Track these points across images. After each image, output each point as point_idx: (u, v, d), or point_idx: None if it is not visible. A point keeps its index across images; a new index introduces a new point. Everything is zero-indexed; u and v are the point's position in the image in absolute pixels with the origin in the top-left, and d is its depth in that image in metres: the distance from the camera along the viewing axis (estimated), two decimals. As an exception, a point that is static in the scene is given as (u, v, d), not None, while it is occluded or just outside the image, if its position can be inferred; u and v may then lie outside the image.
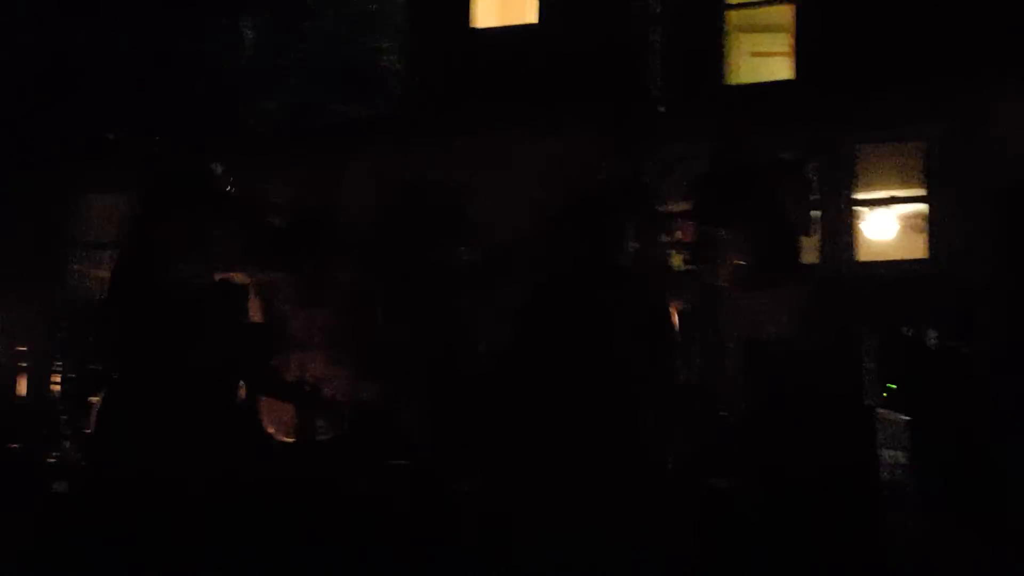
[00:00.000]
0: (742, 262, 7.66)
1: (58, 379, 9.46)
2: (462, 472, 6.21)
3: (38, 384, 9.49)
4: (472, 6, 12.05)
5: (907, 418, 6.41)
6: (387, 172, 9.00)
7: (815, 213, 9.27)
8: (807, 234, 8.09)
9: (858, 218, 10.95)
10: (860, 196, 10.92)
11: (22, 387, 9.26)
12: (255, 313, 8.19)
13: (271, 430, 7.99)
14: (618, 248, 6.64)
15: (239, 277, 8.13)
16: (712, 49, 11.74)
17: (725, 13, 11.89)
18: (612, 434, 5.98)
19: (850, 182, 10.79)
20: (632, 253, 7.00)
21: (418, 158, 9.49)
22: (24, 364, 9.28)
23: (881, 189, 11.17)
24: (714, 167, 8.29)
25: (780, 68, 11.83)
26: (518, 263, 7.45)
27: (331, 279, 8.14)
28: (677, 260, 8.45)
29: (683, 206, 8.61)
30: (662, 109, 10.04)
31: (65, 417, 9.18)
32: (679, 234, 8.56)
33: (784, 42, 11.84)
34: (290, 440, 7.85)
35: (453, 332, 7.88)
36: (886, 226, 11.48)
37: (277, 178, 8.49)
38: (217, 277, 8.08)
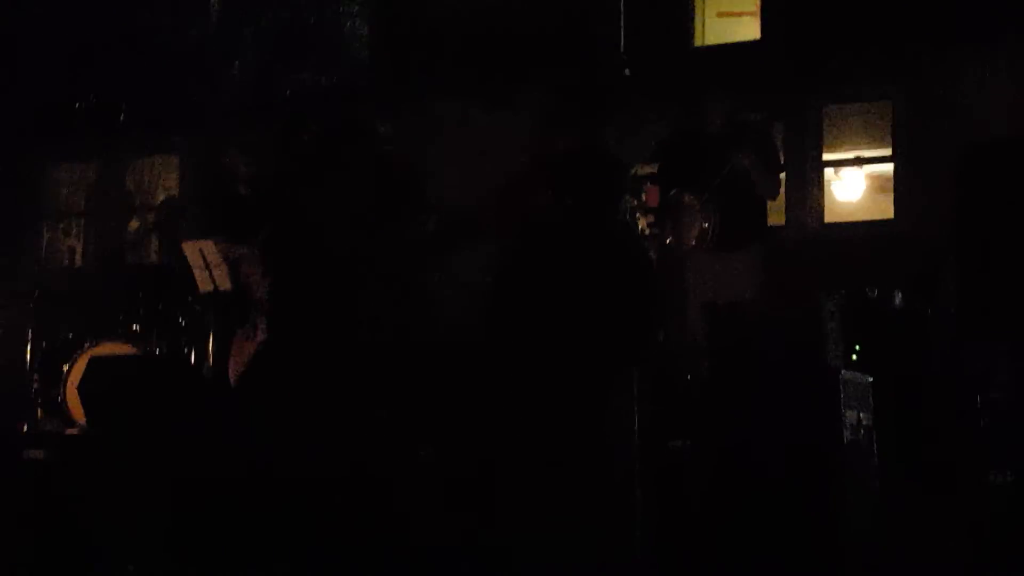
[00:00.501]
0: (706, 225, 7.72)
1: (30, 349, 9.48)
2: (422, 442, 6.28)
3: (10, 354, 9.51)
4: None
5: (871, 379, 6.47)
6: (346, 141, 8.99)
7: (781, 175, 9.32)
8: (773, 196, 8.15)
9: (825, 179, 11.02)
10: (827, 157, 10.98)
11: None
12: (222, 281, 8.24)
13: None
14: (588, 210, 6.73)
15: (209, 245, 8.18)
16: (680, 10, 11.75)
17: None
18: (584, 399, 6.09)
19: (817, 143, 10.84)
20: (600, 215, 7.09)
21: (378, 126, 9.46)
22: (-4, 332, 9.31)
23: (848, 150, 11.23)
24: (679, 130, 8.34)
25: (747, 29, 11.85)
26: (481, 230, 7.49)
27: (297, 246, 8.17)
28: (643, 223, 8.50)
29: (649, 169, 8.65)
30: (628, 72, 10.04)
31: (37, 386, 9.22)
32: (645, 197, 8.62)
33: (751, 2, 11.86)
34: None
35: (415, 301, 7.92)
36: (853, 187, 11.56)
37: (239, 146, 8.48)
38: (191, 247, 8.15)
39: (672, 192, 7.90)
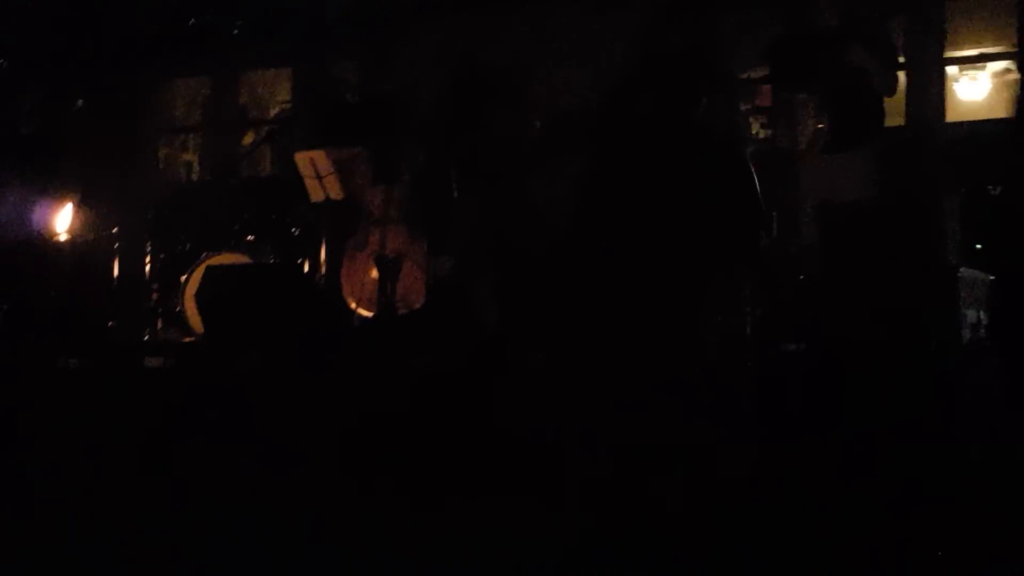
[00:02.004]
0: (820, 125, 7.54)
1: (148, 260, 9.65)
2: (532, 346, 6.26)
3: (130, 264, 9.69)
4: None
5: (992, 278, 6.31)
6: (450, 47, 8.95)
7: (900, 73, 9.07)
8: (891, 93, 7.91)
9: (947, 77, 10.69)
10: (950, 55, 10.64)
11: (115, 268, 9.45)
12: (333, 191, 8.29)
13: (352, 304, 8.13)
14: (694, 112, 6.62)
15: (320, 155, 8.24)
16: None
17: None
18: (690, 299, 6.01)
19: (939, 40, 10.50)
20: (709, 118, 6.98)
21: (481, 32, 9.41)
22: (116, 245, 9.46)
23: (971, 47, 10.87)
24: (790, 30, 8.13)
25: (865, -75, 11.50)
26: (585, 134, 7.41)
27: (406, 154, 8.19)
28: (755, 125, 8.35)
29: (760, 72, 8.47)
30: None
31: (156, 296, 9.40)
32: (756, 100, 8.45)
33: None
34: (369, 313, 7.98)
35: (521, 206, 7.89)
36: (976, 85, 11.20)
37: (350, 59, 8.49)
38: (302, 158, 8.21)
39: (784, 93, 7.74)
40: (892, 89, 7.85)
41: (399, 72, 8.69)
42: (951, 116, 10.45)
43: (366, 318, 8.01)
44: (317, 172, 8.29)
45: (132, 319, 9.32)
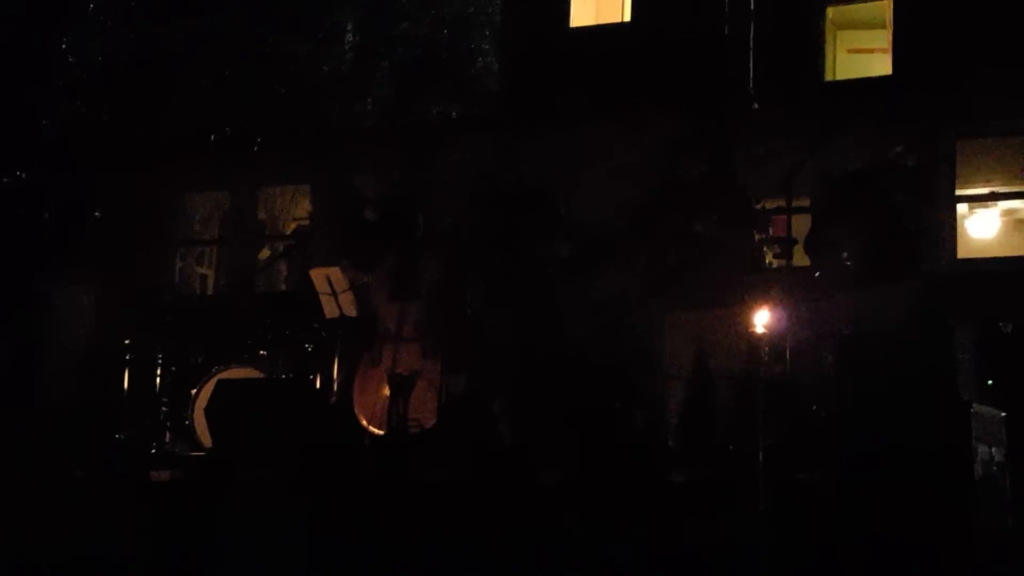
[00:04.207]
0: (848, 261, 7.59)
1: (159, 372, 9.65)
2: (549, 463, 6.25)
3: (141, 377, 9.68)
4: (568, 5, 12.10)
5: (1003, 414, 6.30)
6: (480, 166, 9.08)
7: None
8: (919, 232, 7.99)
9: (959, 215, 10.79)
10: (961, 192, 10.76)
11: (126, 380, 9.45)
12: (348, 308, 8.33)
13: (364, 422, 8.12)
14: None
15: (336, 272, 8.30)
16: (810, 45, 11.63)
17: (824, 9, 11.79)
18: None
19: (951, 178, 10.62)
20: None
21: (511, 153, 9.56)
22: (128, 357, 9.47)
23: (982, 185, 10.99)
24: (827, 170, 8.19)
25: (879, 64, 11.69)
26: (610, 257, 7.49)
27: (422, 272, 8.24)
28: (770, 255, 8.41)
29: (777, 202, 8.56)
30: (756, 106, 9.98)
31: (166, 409, 9.38)
32: (772, 229, 8.53)
33: (882, 38, 11.70)
34: (381, 432, 7.97)
35: (545, 325, 7.92)
36: (987, 223, 11.30)
37: (371, 174, 8.59)
38: (318, 274, 8.27)
39: (820, 227, 7.81)
40: (920, 226, 7.89)
41: (420, 189, 8.78)
42: (962, 252, 10.53)
43: (377, 436, 7.99)
44: (332, 288, 8.33)
45: (141, 431, 9.29)
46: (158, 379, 9.63)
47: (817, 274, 7.59)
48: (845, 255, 7.56)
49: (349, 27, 12.67)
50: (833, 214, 7.71)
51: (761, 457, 6.11)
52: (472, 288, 7.92)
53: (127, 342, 9.53)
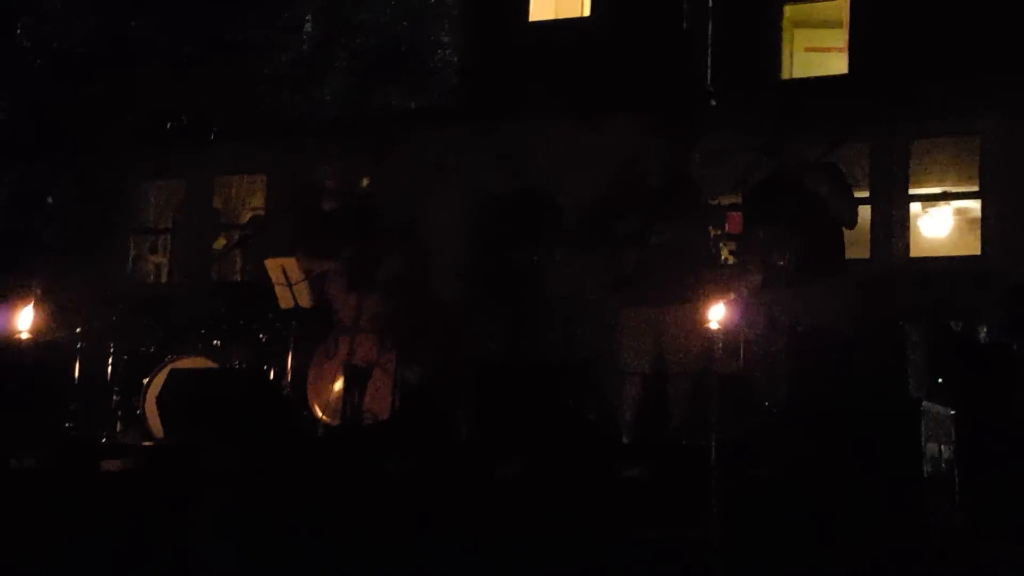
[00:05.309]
0: (781, 262, 7.61)
1: (111, 361, 9.57)
2: (505, 457, 6.26)
3: (92, 365, 9.61)
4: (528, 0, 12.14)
5: (953, 412, 6.36)
6: (433, 158, 9.09)
7: (863, 208, 9.23)
8: (851, 225, 7.98)
9: (911, 213, 10.89)
10: (914, 191, 10.85)
11: (76, 368, 9.37)
12: (303, 298, 8.30)
13: (318, 413, 8.10)
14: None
15: (291, 263, 8.27)
16: (767, 42, 11.72)
17: (781, 8, 11.88)
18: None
19: (904, 177, 10.71)
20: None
21: (467, 145, 9.58)
22: (79, 345, 9.39)
23: (935, 185, 11.10)
24: (757, 164, 8.22)
25: (835, 63, 11.79)
26: (568, 252, 7.50)
27: (380, 263, 8.22)
28: (725, 252, 8.45)
29: (732, 199, 8.60)
30: (714, 103, 10.02)
31: (117, 398, 9.32)
32: (728, 226, 8.57)
33: (839, 37, 11.80)
34: (335, 423, 7.95)
35: (504, 321, 7.95)
36: (940, 222, 11.42)
37: (329, 165, 8.56)
38: (273, 264, 8.23)
39: (751, 225, 7.83)
40: (853, 220, 7.89)
41: (378, 180, 8.76)
42: (915, 251, 10.63)
43: (332, 426, 7.98)
44: (288, 279, 8.29)
45: (92, 420, 9.22)
46: (110, 368, 9.55)
47: (746, 273, 7.60)
48: (775, 254, 7.57)
49: (308, 17, 12.65)
50: (758, 215, 7.71)
51: (714, 453, 6.14)
52: (434, 281, 7.93)
53: (78, 330, 9.45)
